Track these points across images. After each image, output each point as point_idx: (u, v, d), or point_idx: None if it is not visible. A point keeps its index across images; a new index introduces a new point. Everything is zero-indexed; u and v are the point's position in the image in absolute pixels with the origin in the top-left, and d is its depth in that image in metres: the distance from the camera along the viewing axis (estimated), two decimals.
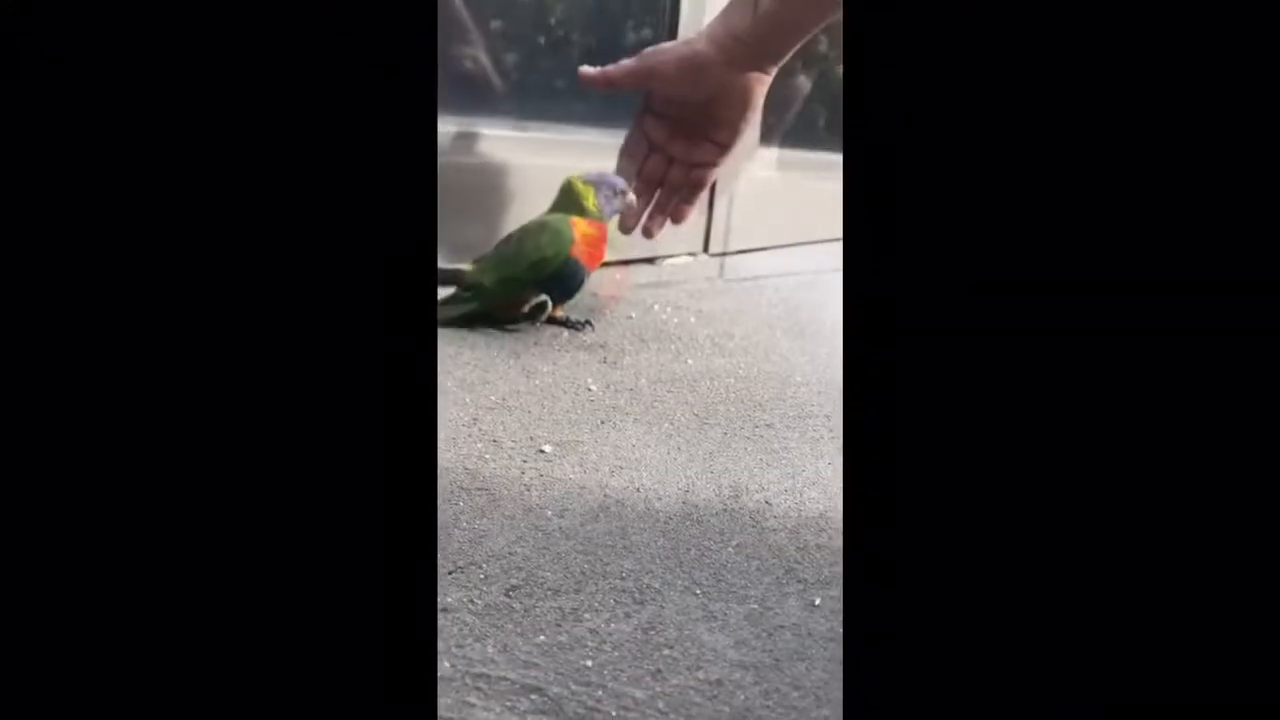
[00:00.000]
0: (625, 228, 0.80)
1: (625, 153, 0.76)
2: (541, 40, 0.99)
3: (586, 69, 0.71)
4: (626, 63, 0.70)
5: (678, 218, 0.79)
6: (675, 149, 0.75)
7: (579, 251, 0.75)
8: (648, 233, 0.79)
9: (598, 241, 0.78)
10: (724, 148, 0.74)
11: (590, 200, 0.77)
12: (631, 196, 0.80)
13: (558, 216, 0.77)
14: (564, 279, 0.76)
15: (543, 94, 1.00)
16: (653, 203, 0.78)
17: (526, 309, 0.75)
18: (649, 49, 0.70)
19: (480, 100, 0.90)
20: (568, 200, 0.78)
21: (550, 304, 0.76)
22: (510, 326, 0.76)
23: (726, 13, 0.67)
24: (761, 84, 0.70)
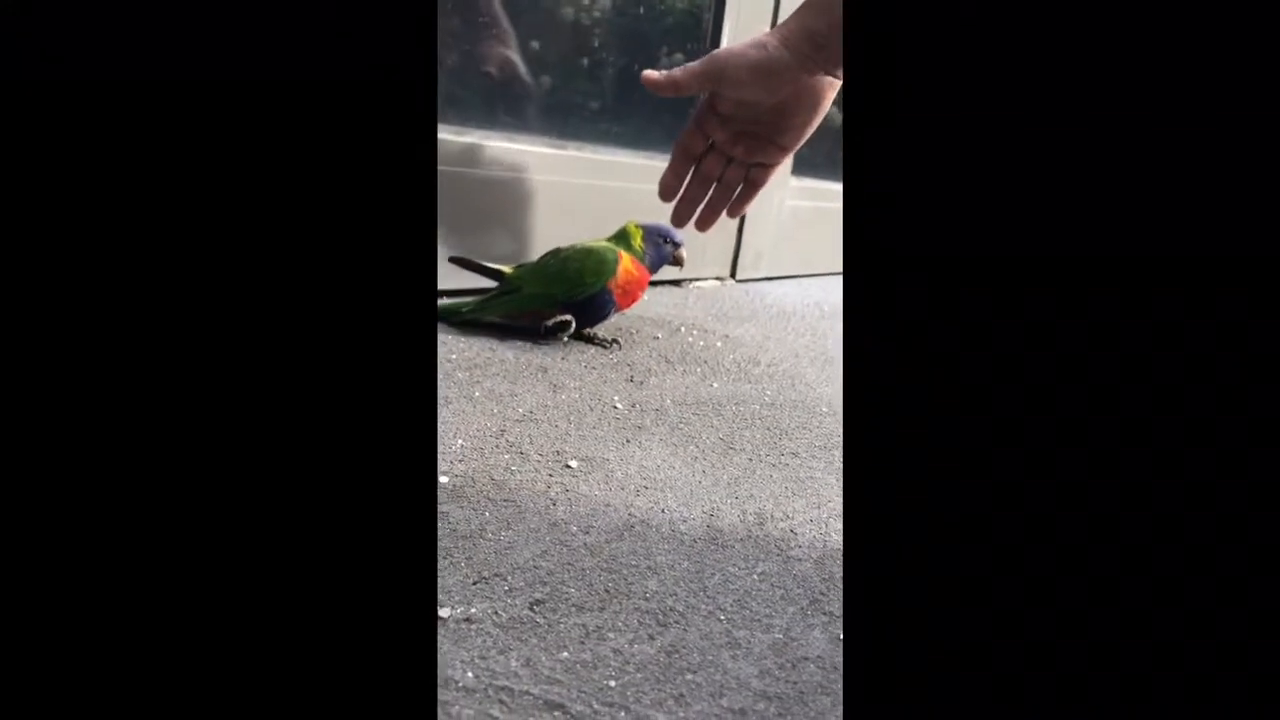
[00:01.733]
0: (678, 222, 0.78)
1: (681, 149, 0.74)
2: (585, 61, 1.01)
3: (650, 73, 0.68)
4: (694, 65, 0.67)
5: (734, 213, 0.78)
6: (737, 150, 0.73)
7: (616, 285, 0.77)
8: (702, 226, 0.79)
9: (636, 283, 0.80)
10: (787, 150, 0.73)
11: (636, 240, 0.80)
12: (684, 252, 0.82)
13: (608, 246, 0.79)
14: (594, 307, 0.77)
15: (580, 115, 1.01)
16: (706, 199, 0.77)
17: (551, 323, 0.76)
18: (718, 50, 0.68)
19: (508, 94, 0.91)
20: (620, 236, 0.82)
21: (574, 324, 0.77)
22: (539, 340, 0.77)
23: (801, 14, 0.64)
24: (833, 88, 0.68)
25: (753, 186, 0.76)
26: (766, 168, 0.74)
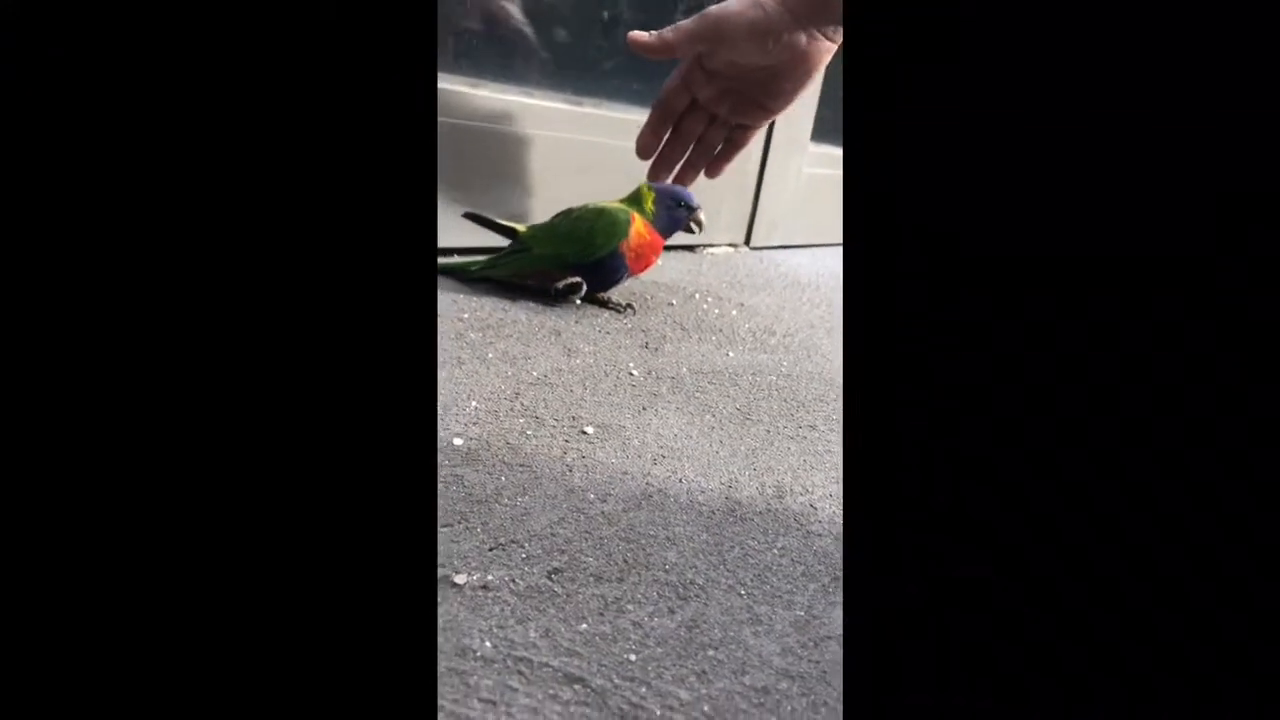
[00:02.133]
0: (655, 179, 0.76)
1: (662, 106, 0.70)
2: (605, 15, 0.97)
3: (637, 34, 0.64)
4: (686, 24, 0.64)
5: (713, 173, 0.76)
6: (721, 109, 0.69)
7: (628, 248, 0.75)
8: (678, 184, 0.77)
9: (649, 247, 0.77)
10: (773, 113, 0.70)
11: (648, 203, 0.78)
12: (701, 215, 0.80)
13: (621, 207, 0.77)
14: (605, 269, 0.75)
15: (597, 72, 0.98)
16: (685, 157, 0.74)
17: (561, 285, 0.74)
18: (712, 8, 0.64)
19: (503, 48, 0.88)
20: (633, 198, 0.79)
21: (585, 286, 0.75)
22: (552, 303, 0.75)
23: None
24: (828, 53, 0.65)
25: (733, 147, 0.73)
26: (748, 129, 0.72)
